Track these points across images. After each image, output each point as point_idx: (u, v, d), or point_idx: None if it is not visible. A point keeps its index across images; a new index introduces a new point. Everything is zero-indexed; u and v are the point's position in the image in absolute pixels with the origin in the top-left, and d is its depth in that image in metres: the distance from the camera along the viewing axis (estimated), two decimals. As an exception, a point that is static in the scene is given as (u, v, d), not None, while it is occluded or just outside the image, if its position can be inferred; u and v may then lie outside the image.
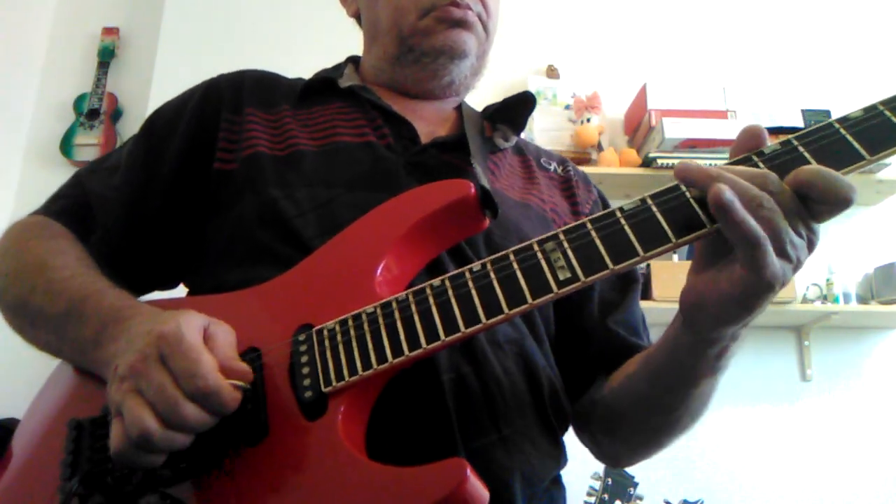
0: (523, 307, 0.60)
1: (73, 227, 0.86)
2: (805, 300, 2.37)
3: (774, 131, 2.48)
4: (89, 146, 2.67)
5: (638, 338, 0.92)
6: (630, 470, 1.85)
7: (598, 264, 0.59)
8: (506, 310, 0.61)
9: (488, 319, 0.61)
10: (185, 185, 0.88)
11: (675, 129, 2.36)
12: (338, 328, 0.66)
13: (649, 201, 0.60)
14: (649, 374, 0.76)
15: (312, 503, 0.59)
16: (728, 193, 0.53)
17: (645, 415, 0.80)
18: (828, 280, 2.42)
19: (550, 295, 0.60)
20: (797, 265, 0.56)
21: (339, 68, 1.03)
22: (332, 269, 0.72)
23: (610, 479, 1.82)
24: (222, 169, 0.86)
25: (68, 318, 0.74)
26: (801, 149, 0.58)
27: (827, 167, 0.55)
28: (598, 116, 2.57)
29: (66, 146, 2.68)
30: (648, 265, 2.29)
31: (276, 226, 0.79)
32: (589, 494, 1.81)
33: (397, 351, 0.62)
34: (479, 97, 1.05)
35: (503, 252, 0.63)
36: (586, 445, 0.93)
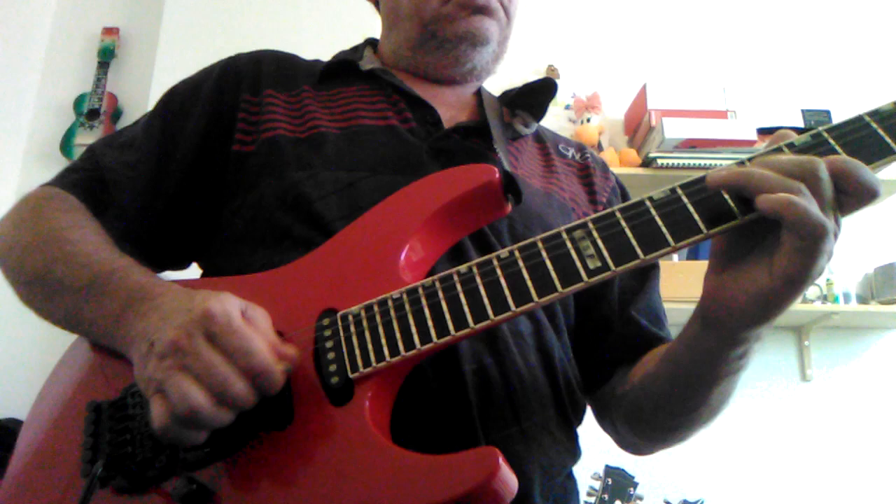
0: (553, 295, 0.60)
1: (86, 202, 0.84)
2: (805, 300, 2.36)
3: (774, 131, 2.48)
4: (89, 146, 2.67)
5: (659, 327, 0.91)
6: (630, 470, 1.85)
7: (629, 254, 0.58)
8: (535, 298, 0.60)
9: (518, 307, 0.60)
10: (203, 167, 0.87)
11: (675, 129, 2.36)
12: (363, 313, 0.65)
13: (679, 191, 0.59)
14: (670, 375, 0.75)
15: (341, 488, 0.58)
16: (793, 198, 0.52)
17: (666, 413, 0.80)
18: (828, 280, 2.42)
19: (581, 284, 0.59)
20: (830, 258, 0.55)
21: (357, 50, 1.02)
22: (355, 253, 0.71)
23: (610, 479, 1.82)
24: (241, 151, 0.85)
25: (90, 291, 0.72)
26: (832, 141, 0.58)
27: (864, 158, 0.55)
28: (598, 116, 2.57)
29: (66, 146, 2.68)
30: (648, 265, 2.29)
31: (298, 208, 0.78)
32: (589, 494, 1.81)
33: (425, 338, 0.62)
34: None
35: (531, 240, 0.63)
36: (608, 433, 0.93)
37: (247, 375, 0.59)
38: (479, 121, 0.91)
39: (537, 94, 0.99)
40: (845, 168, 0.54)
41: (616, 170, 2.42)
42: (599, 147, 2.55)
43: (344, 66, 0.96)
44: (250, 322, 0.62)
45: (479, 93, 1.00)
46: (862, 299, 2.47)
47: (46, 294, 0.77)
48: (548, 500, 0.75)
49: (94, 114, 2.71)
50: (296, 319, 0.67)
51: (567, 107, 2.65)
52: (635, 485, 1.82)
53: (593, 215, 0.62)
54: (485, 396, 0.71)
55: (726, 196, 0.57)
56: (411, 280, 0.66)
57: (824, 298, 2.40)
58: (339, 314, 0.66)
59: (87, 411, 0.70)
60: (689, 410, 0.76)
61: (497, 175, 0.70)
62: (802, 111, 2.48)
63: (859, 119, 0.59)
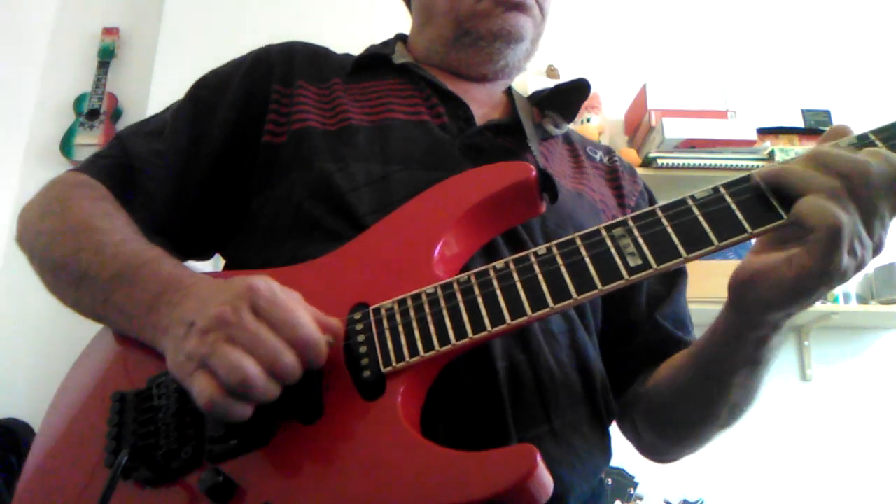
0: (593, 293, 0.59)
1: (114, 189, 0.83)
2: (805, 300, 2.36)
3: (774, 131, 2.49)
4: (89, 146, 2.66)
5: (685, 332, 0.90)
6: (630, 470, 1.85)
7: (671, 252, 0.58)
8: (574, 295, 0.59)
9: (556, 304, 0.59)
10: (232, 157, 0.86)
11: (675, 129, 2.36)
12: (396, 307, 0.64)
13: (723, 190, 0.59)
14: (692, 363, 0.75)
15: (371, 483, 0.57)
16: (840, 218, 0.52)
17: (685, 407, 0.79)
18: (828, 280, 2.41)
19: (621, 281, 0.58)
20: (860, 265, 0.55)
21: (387, 45, 1.01)
22: (388, 247, 0.70)
23: (610, 480, 1.82)
24: (271, 142, 0.84)
25: (120, 281, 0.71)
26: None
27: None
28: (598, 116, 2.57)
29: (66, 146, 2.68)
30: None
31: (329, 200, 0.78)
32: (589, 494, 1.81)
33: (460, 333, 0.61)
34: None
35: (569, 237, 0.62)
36: (628, 439, 0.92)
37: (296, 346, 0.58)
38: (511, 119, 0.91)
39: (569, 95, 0.98)
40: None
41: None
42: (599, 147, 2.55)
43: (376, 60, 0.95)
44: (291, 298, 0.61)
45: (509, 91, 1.00)
46: (862, 299, 2.47)
47: (74, 282, 0.76)
48: (580, 502, 0.74)
49: (94, 114, 2.71)
50: (327, 313, 0.66)
51: (567, 107, 2.65)
52: (635, 485, 1.82)
53: (633, 213, 0.61)
54: (517, 394, 0.70)
55: (771, 197, 0.57)
56: (444, 276, 0.65)
57: (824, 298, 2.40)
58: (371, 308, 0.65)
59: (111, 401, 0.69)
60: (706, 402, 0.76)
61: (533, 173, 0.70)
62: (802, 111, 2.48)
63: None
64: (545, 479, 0.54)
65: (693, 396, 0.77)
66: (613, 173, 1.00)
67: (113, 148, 0.89)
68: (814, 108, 2.52)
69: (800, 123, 2.47)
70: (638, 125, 2.56)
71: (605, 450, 0.80)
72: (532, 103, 0.99)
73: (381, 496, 0.56)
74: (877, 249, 0.56)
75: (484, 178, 0.71)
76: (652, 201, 1.02)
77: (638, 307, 0.90)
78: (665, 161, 2.37)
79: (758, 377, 0.72)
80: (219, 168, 0.86)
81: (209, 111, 0.88)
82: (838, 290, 2.41)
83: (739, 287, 0.61)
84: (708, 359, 0.72)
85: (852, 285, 2.48)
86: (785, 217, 0.56)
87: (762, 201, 0.57)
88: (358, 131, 0.83)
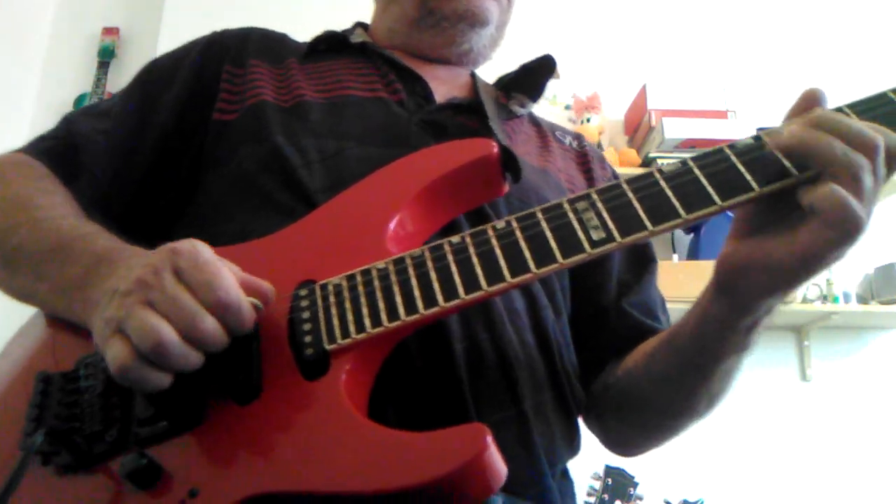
0: (553, 266, 0.56)
1: (57, 169, 0.80)
2: (805, 300, 2.37)
3: (774, 131, 2.49)
4: (89, 146, 2.67)
5: (654, 320, 0.88)
6: (630, 470, 1.85)
7: (636, 225, 0.55)
8: (533, 268, 0.56)
9: (514, 277, 0.56)
10: (181, 136, 0.84)
11: (675, 129, 2.36)
12: (344, 283, 0.61)
13: (691, 163, 0.57)
14: (671, 352, 0.73)
15: (308, 466, 0.54)
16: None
17: (662, 396, 0.77)
18: (828, 280, 2.42)
19: (583, 255, 0.56)
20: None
21: (346, 30, 0.99)
22: (340, 225, 0.67)
23: (610, 479, 1.82)
24: (222, 119, 0.83)
25: (53, 256, 0.68)
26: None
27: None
28: (598, 116, 2.57)
29: (66, 146, 2.68)
30: (648, 265, 2.28)
31: (280, 173, 0.75)
32: (589, 494, 1.81)
33: (411, 309, 0.57)
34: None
35: (529, 210, 0.60)
36: (594, 432, 0.89)
37: (216, 310, 0.54)
38: (473, 99, 0.88)
39: (535, 75, 0.96)
40: None
41: (616, 170, 2.43)
42: (599, 147, 2.55)
43: (333, 41, 0.93)
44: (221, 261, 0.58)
45: (473, 76, 0.97)
46: (862, 299, 2.47)
47: (6, 259, 0.73)
48: (556, 487, 0.72)
49: (94, 114, 2.72)
50: None
51: (567, 107, 2.65)
52: (635, 485, 1.82)
53: (597, 187, 0.59)
54: (478, 376, 0.67)
55: (743, 169, 0.55)
56: (393, 252, 0.62)
57: (824, 298, 2.40)
58: (317, 284, 0.62)
59: (34, 382, 0.64)
60: (687, 392, 0.74)
61: (495, 150, 0.67)
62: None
63: (882, 95, 0.58)
64: (497, 464, 0.50)
65: (672, 387, 0.75)
66: (583, 157, 0.98)
67: (58, 129, 0.86)
68: (814, 108, 2.52)
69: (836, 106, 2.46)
70: (638, 125, 2.56)
71: (572, 440, 0.77)
72: (498, 87, 0.97)
73: (314, 479, 0.53)
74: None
75: (443, 155, 0.68)
76: None
77: (608, 293, 0.87)
78: (665, 161, 2.36)
79: (740, 364, 0.70)
80: (167, 145, 0.84)
81: (158, 90, 0.86)
82: (838, 291, 2.41)
83: (732, 274, 0.59)
84: (691, 349, 0.69)
85: (852, 285, 2.48)
86: (756, 189, 0.54)
87: (733, 174, 0.56)
88: (311, 107, 0.81)
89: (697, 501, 2.02)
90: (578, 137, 1.02)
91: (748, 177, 0.55)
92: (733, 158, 0.56)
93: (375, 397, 0.60)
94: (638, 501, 1.81)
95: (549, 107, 2.59)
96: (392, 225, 0.64)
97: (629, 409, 0.82)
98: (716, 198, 0.55)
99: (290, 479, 0.53)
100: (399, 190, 0.67)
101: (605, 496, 1.80)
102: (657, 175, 0.58)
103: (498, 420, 0.67)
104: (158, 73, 0.89)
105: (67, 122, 0.87)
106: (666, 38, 2.80)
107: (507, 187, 0.70)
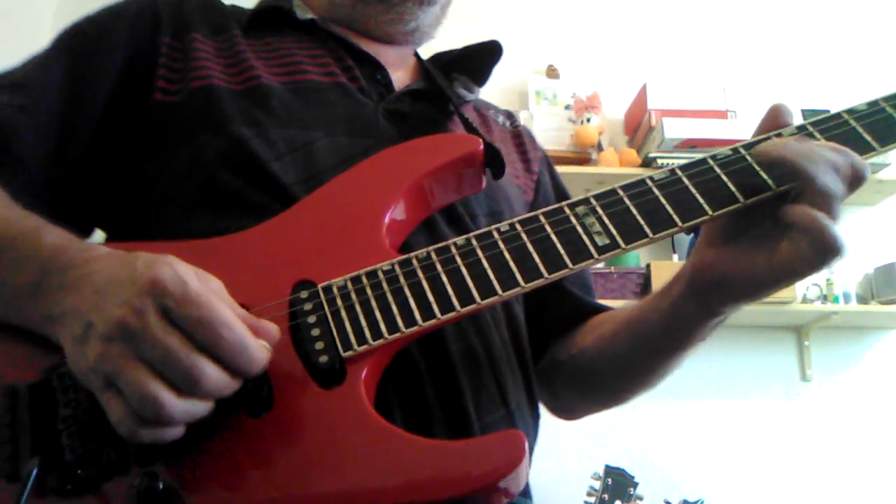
0: (563, 272, 0.58)
1: None
2: (805, 300, 2.37)
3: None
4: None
5: (591, 296, 0.92)
6: (630, 470, 1.85)
7: (637, 232, 0.58)
8: (545, 273, 0.58)
9: (527, 283, 0.58)
10: (117, 117, 0.75)
11: (675, 129, 2.36)
12: (350, 286, 0.59)
13: (679, 172, 0.61)
14: (634, 337, 0.76)
15: (347, 482, 0.52)
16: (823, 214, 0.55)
17: (621, 374, 0.81)
18: (828, 280, 2.42)
19: (591, 260, 0.58)
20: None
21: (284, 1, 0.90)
22: (330, 220, 0.64)
23: (610, 479, 1.82)
24: (165, 101, 0.75)
25: None
26: (852, 122, 0.61)
27: (883, 144, 0.59)
28: (598, 116, 2.57)
29: (66, 146, 2.68)
30: (648, 264, 2.29)
31: (248, 169, 0.70)
32: (589, 494, 1.81)
33: (427, 313, 0.57)
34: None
35: (532, 213, 0.61)
36: (542, 401, 0.89)
37: (215, 351, 0.49)
38: (428, 85, 0.87)
39: (480, 57, 0.94)
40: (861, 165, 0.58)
41: (616, 170, 2.44)
42: (599, 147, 2.55)
43: (276, 14, 0.86)
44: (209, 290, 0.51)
45: (417, 56, 0.96)
46: (862, 299, 2.47)
47: None
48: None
49: (94, 114, 2.71)
50: (262, 292, 0.59)
51: (567, 107, 2.65)
52: (635, 485, 1.82)
53: (595, 192, 0.61)
54: (475, 378, 0.68)
55: (726, 180, 0.59)
56: (391, 250, 0.62)
57: (824, 298, 2.40)
58: (320, 286, 0.59)
59: (1, 397, 0.56)
60: (647, 371, 0.78)
61: (481, 147, 0.68)
62: (802, 111, 2.47)
63: (875, 104, 0.62)
64: (527, 465, 0.53)
65: (634, 369, 0.78)
66: (518, 138, 0.98)
67: None
68: (814, 108, 2.52)
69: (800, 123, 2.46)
70: (638, 125, 2.56)
71: (536, 430, 0.80)
72: (438, 66, 0.94)
73: (361, 496, 0.52)
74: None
75: (430, 150, 0.69)
76: (551, 167, 1.01)
77: None
78: (665, 161, 2.37)
79: (698, 346, 0.73)
80: (101, 128, 0.75)
81: (86, 63, 0.77)
82: (838, 291, 2.41)
83: (710, 284, 0.62)
84: (659, 339, 0.73)
85: (852, 285, 2.48)
86: (742, 200, 0.58)
87: (718, 185, 0.60)
88: (269, 92, 0.76)
89: (697, 501, 2.02)
90: (510, 116, 1.02)
91: (735, 191, 0.59)
92: (717, 170, 0.60)
93: (381, 399, 0.59)
94: (638, 501, 1.80)
95: (549, 106, 2.59)
96: (387, 219, 0.64)
97: (586, 384, 0.86)
98: (707, 208, 0.58)
99: (325, 495, 0.52)
100: (390, 184, 0.66)
101: (605, 496, 1.80)
102: (649, 182, 0.60)
103: (492, 420, 0.68)
104: (84, 42, 0.80)
105: None
106: (666, 38, 2.80)
107: (485, 183, 0.71)
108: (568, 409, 0.94)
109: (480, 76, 0.94)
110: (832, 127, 0.62)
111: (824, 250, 0.55)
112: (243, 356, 0.50)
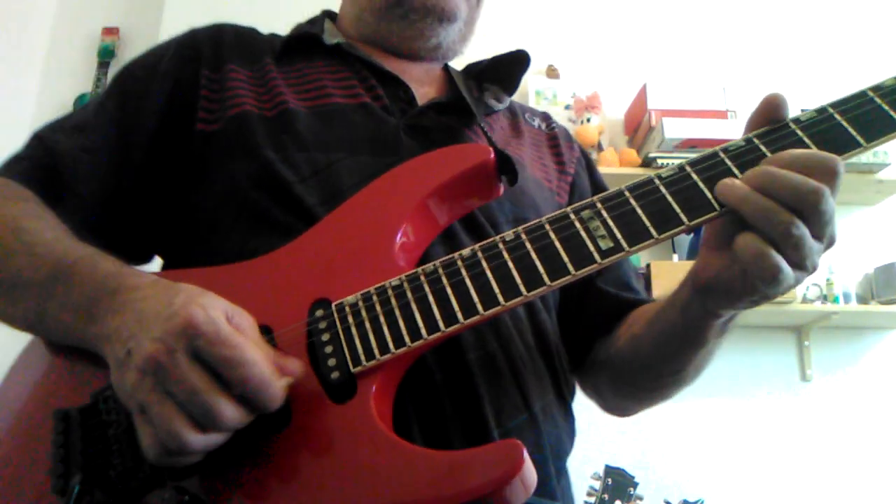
0: (566, 279, 0.57)
1: (40, 191, 0.76)
2: (805, 300, 2.37)
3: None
4: (89, 146, 2.67)
5: (630, 291, 0.90)
6: (630, 470, 1.85)
7: (643, 233, 0.57)
8: (548, 282, 0.57)
9: (529, 292, 0.58)
10: (165, 148, 0.81)
11: (675, 129, 2.36)
12: (361, 303, 0.61)
13: (688, 168, 0.59)
14: (655, 338, 0.76)
15: (353, 492, 0.55)
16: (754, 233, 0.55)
17: (652, 375, 0.80)
18: (828, 280, 2.42)
19: (594, 265, 0.57)
20: (813, 269, 0.58)
21: (314, 23, 0.97)
22: (345, 239, 0.66)
23: (610, 479, 1.82)
24: (206, 130, 0.80)
25: (55, 282, 0.65)
26: (837, 116, 0.59)
27: (862, 136, 0.57)
28: (598, 116, 2.57)
29: (66, 146, 2.68)
30: (648, 265, 2.29)
31: (275, 191, 0.74)
32: (589, 494, 1.81)
33: (432, 327, 0.58)
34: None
35: (536, 221, 0.61)
36: (594, 401, 0.94)
37: (240, 388, 0.54)
38: (453, 96, 0.89)
39: (509, 67, 0.96)
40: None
41: (616, 170, 2.44)
42: (599, 147, 2.55)
43: (305, 41, 0.91)
44: (239, 330, 0.56)
45: (446, 68, 0.97)
46: (862, 299, 2.47)
47: (5, 290, 0.70)
48: (560, 483, 0.74)
49: (94, 114, 2.71)
50: (284, 312, 0.63)
51: (567, 107, 2.65)
52: (635, 485, 1.82)
53: (600, 195, 0.61)
54: (494, 384, 0.68)
55: (737, 173, 0.58)
56: (406, 266, 0.63)
57: (824, 298, 2.40)
58: (333, 305, 0.62)
59: (54, 420, 0.63)
60: (674, 370, 0.77)
61: (491, 155, 0.68)
62: (802, 111, 2.48)
63: (863, 94, 0.60)
64: (532, 475, 0.53)
65: (661, 369, 0.78)
66: (553, 140, 0.99)
67: (32, 148, 0.82)
68: (814, 108, 2.52)
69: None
70: (638, 125, 2.56)
71: (572, 433, 0.80)
72: (469, 77, 0.96)
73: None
74: (829, 245, 0.58)
75: (440, 163, 0.69)
76: (590, 166, 1.01)
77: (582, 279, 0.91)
78: (665, 161, 2.37)
79: (721, 342, 0.73)
80: (151, 161, 0.82)
81: (136, 102, 0.83)
82: (838, 291, 2.41)
83: (703, 287, 0.62)
84: (675, 339, 0.73)
85: (852, 285, 2.48)
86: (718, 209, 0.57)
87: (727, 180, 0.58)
88: (296, 117, 0.80)
89: (697, 501, 2.02)
90: (547, 118, 1.03)
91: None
92: (728, 162, 0.59)
93: (399, 411, 0.61)
94: (638, 501, 1.80)
95: (550, 106, 2.59)
96: (398, 237, 0.65)
97: (623, 386, 0.87)
98: (715, 204, 0.57)
99: None
100: (400, 201, 0.67)
101: (605, 496, 1.79)
102: (657, 181, 0.59)
103: (514, 426, 0.69)
104: (133, 82, 0.86)
105: (41, 140, 0.82)
106: (666, 38, 2.80)
107: (502, 190, 0.72)
108: (616, 408, 0.94)
109: (510, 85, 0.96)
110: (854, 107, 0.60)
111: (760, 273, 0.55)
112: (266, 394, 0.55)
